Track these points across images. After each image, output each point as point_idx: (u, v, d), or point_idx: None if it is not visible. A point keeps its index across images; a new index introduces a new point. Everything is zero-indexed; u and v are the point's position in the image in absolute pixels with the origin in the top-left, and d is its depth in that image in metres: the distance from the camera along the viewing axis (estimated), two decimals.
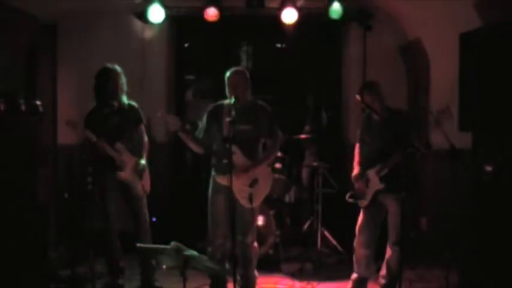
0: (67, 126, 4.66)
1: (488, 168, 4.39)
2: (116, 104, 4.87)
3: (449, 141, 4.20)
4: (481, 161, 4.53)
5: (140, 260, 5.08)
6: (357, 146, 5.05)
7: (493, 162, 4.38)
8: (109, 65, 4.98)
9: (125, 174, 4.91)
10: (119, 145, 4.89)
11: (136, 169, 4.95)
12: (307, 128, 7.27)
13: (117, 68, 4.99)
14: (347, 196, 4.95)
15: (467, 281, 4.76)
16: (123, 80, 4.99)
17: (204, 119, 4.71)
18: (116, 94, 4.93)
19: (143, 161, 5.03)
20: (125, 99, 5.02)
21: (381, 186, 4.70)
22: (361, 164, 4.92)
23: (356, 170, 4.91)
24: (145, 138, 5.16)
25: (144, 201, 5.09)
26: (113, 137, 4.87)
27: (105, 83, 4.90)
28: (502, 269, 4.34)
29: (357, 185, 4.89)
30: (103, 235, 4.93)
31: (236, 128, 4.32)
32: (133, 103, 5.10)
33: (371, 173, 4.77)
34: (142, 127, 5.16)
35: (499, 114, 4.34)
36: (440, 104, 4.50)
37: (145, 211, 5.08)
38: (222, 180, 4.53)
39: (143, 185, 5.04)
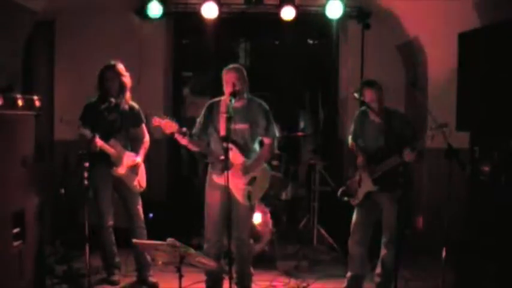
0: (61, 122, 4.64)
1: (486, 168, 4.39)
2: (113, 100, 4.85)
3: (447, 141, 4.20)
4: (478, 160, 4.53)
5: (136, 256, 5.08)
6: (351, 142, 5.03)
7: (490, 162, 4.38)
8: (113, 62, 4.97)
9: (120, 170, 4.91)
10: (113, 141, 4.88)
11: (130, 165, 4.96)
12: (304, 125, 7.27)
13: (120, 64, 4.99)
14: (339, 193, 4.95)
15: (463, 279, 4.77)
16: (128, 76, 5.00)
17: (201, 115, 4.70)
18: (122, 91, 4.95)
19: (138, 158, 5.05)
20: (128, 97, 5.02)
21: (374, 188, 4.68)
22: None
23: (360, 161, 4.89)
24: (147, 137, 5.19)
25: (139, 198, 5.10)
26: (108, 133, 4.86)
27: (111, 79, 4.90)
28: (498, 268, 4.35)
29: (349, 183, 4.89)
30: (97, 231, 4.93)
31: (233, 125, 4.31)
32: (134, 104, 5.10)
33: (364, 174, 4.77)
34: (143, 127, 5.17)
35: (496, 114, 4.35)
36: (438, 105, 4.49)
37: (140, 207, 5.08)
38: (219, 179, 4.52)
39: (139, 181, 5.05)
